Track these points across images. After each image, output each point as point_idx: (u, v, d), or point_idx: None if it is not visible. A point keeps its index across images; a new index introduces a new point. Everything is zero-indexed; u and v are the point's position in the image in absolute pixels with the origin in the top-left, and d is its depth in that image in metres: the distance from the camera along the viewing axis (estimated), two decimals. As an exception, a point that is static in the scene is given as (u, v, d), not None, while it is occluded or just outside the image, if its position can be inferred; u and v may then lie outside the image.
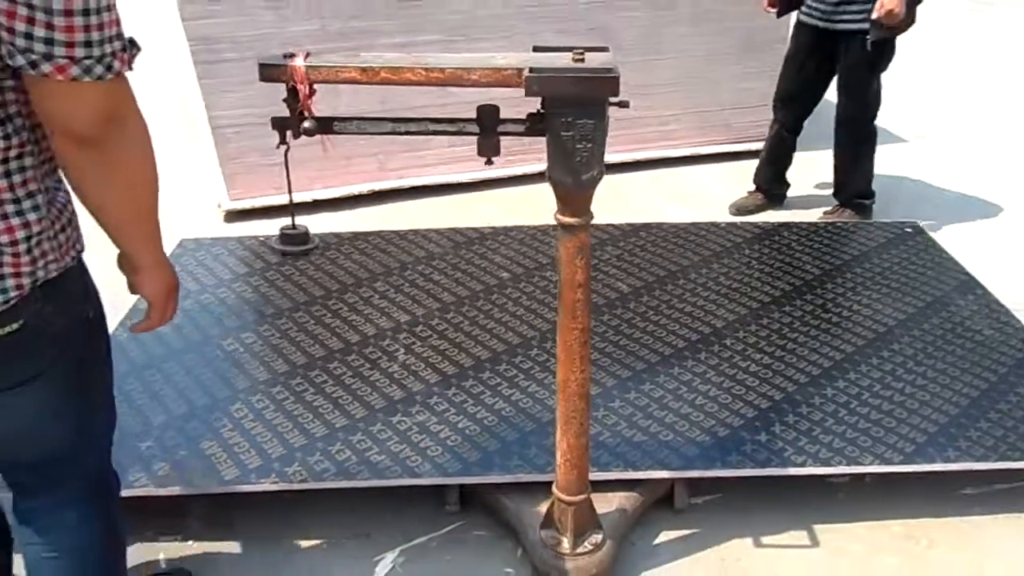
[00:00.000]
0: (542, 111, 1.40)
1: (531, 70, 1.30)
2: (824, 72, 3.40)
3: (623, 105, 1.38)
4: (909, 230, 3.20)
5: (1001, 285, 2.86)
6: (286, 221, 2.90)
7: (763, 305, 2.67)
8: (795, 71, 3.48)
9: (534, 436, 2.10)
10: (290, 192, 1.51)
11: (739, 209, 3.76)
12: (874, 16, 2.99)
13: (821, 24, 3.25)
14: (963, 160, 4.29)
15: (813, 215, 3.59)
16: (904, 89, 5.34)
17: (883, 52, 3.21)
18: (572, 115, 1.35)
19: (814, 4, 3.26)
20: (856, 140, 3.43)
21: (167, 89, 5.47)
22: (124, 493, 1.91)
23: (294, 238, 1.52)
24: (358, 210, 3.80)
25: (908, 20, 3.06)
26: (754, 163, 4.25)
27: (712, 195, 3.93)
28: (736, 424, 2.13)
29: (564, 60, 1.35)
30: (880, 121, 3.47)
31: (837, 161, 3.54)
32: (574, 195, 1.45)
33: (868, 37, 3.10)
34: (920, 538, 2.02)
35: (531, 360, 2.40)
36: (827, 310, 2.64)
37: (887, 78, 3.37)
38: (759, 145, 4.31)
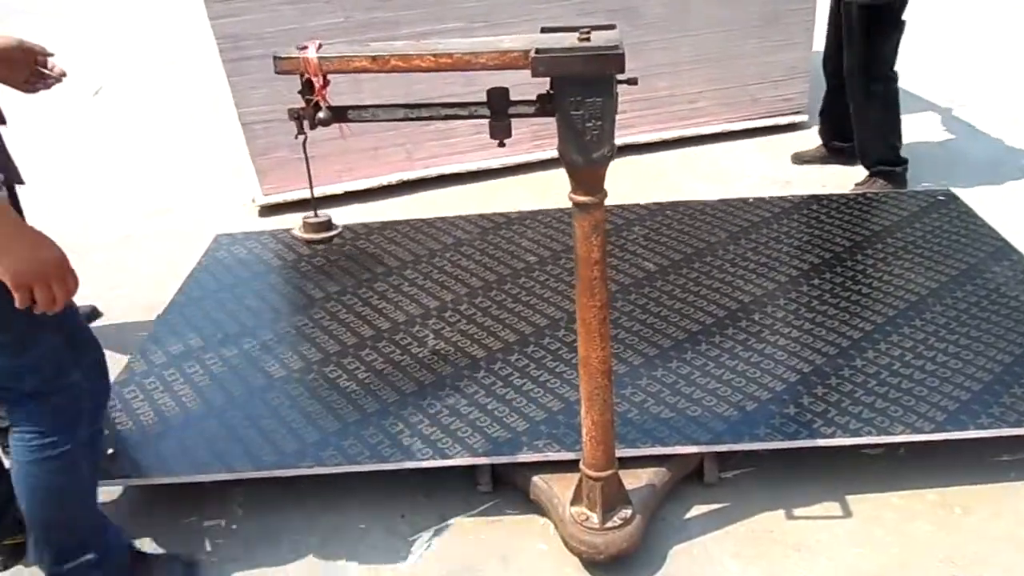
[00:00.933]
0: (551, 92, 1.41)
1: (537, 51, 1.32)
2: None
3: (631, 82, 1.39)
4: (942, 198, 3.14)
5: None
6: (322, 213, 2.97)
7: (791, 279, 2.66)
8: (830, 25, 3.45)
9: (563, 415, 2.12)
10: (310, 181, 1.54)
11: (799, 157, 3.81)
12: None
13: None
14: (1002, 127, 4.18)
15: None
16: (944, 54, 5.22)
17: (878, 17, 3.13)
18: (580, 94, 1.36)
19: None
20: (858, 100, 3.34)
21: (199, 88, 5.59)
22: (167, 480, 2.01)
23: (316, 226, 1.56)
24: (388, 200, 3.85)
25: None
26: (783, 137, 4.22)
27: (741, 171, 3.89)
28: (765, 398, 2.13)
29: (570, 40, 1.37)
30: (918, 87, 3.40)
31: (851, 121, 3.47)
32: (586, 173, 1.46)
33: None
34: (955, 505, 2.00)
35: (559, 341, 2.42)
36: (857, 282, 2.61)
37: (924, 43, 3.29)
38: (787, 119, 4.26)
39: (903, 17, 3.17)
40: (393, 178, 3.90)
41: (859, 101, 3.35)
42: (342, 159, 3.78)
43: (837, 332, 2.37)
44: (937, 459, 2.10)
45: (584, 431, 1.76)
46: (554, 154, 3.39)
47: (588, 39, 1.35)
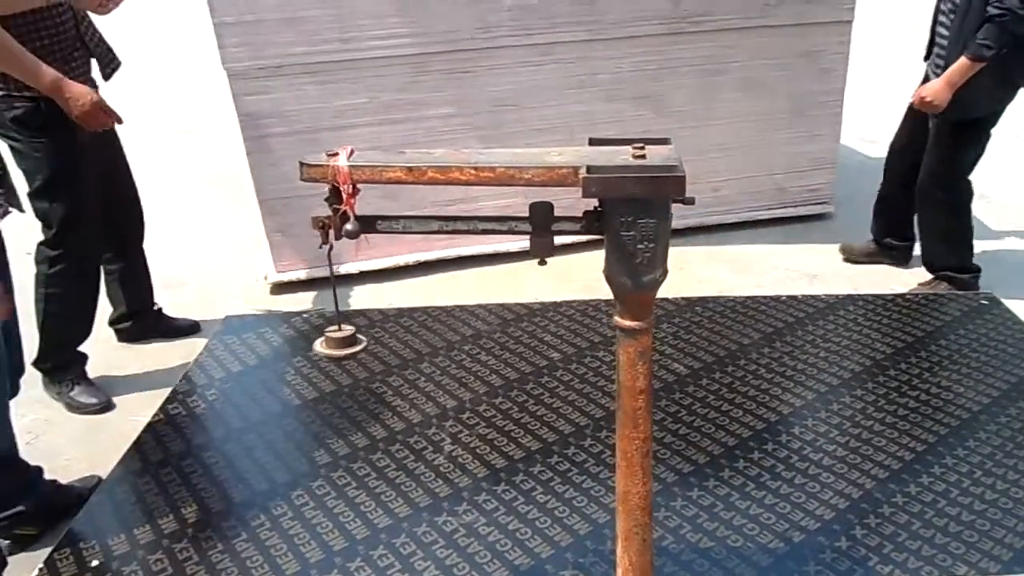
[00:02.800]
0: (599, 208, 1.29)
1: (588, 169, 1.21)
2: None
3: (687, 202, 1.27)
4: (985, 302, 3.00)
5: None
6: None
7: (832, 388, 2.50)
8: (907, 119, 3.33)
9: (591, 540, 1.95)
10: (335, 294, 1.42)
11: (848, 251, 3.67)
12: (911, 101, 2.87)
13: (932, 74, 3.05)
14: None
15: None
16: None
17: (968, 131, 2.99)
18: (633, 215, 1.24)
19: (937, 48, 3.04)
20: (928, 206, 3.21)
21: (219, 159, 5.55)
22: None
23: (339, 342, 1.42)
24: (404, 281, 3.73)
25: (983, 104, 2.89)
26: (808, 226, 4.11)
27: (767, 263, 3.78)
28: (812, 527, 1.96)
29: (623, 156, 1.25)
30: None
31: (908, 220, 3.38)
32: (634, 298, 1.33)
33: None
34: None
35: (585, 452, 2.26)
36: (903, 394, 2.46)
37: None
38: (812, 210, 4.17)
39: (990, 131, 3.06)
40: (411, 258, 3.79)
41: (928, 207, 3.21)
42: (360, 241, 3.67)
43: (886, 452, 2.20)
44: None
45: (619, 572, 1.58)
46: (576, 239, 3.26)
47: (643, 156, 1.24)
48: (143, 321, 3.25)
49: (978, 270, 3.25)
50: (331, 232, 1.33)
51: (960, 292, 3.12)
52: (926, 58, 3.16)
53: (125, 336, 3.26)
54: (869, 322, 2.88)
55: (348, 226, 1.29)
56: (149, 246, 3.25)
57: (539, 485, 2.14)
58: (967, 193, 3.16)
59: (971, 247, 3.24)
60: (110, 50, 2.81)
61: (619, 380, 1.43)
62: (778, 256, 3.84)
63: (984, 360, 2.62)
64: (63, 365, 2.80)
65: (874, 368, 2.60)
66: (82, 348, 2.89)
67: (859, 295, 3.12)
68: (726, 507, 2.03)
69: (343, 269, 3.67)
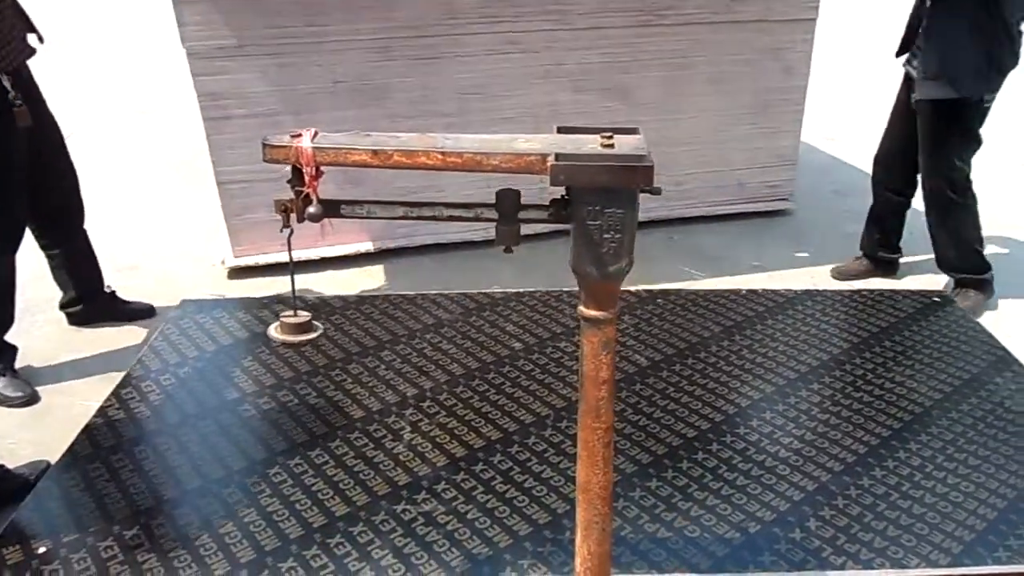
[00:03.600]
0: (566, 198, 1.28)
1: (557, 157, 1.19)
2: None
3: (654, 192, 1.27)
4: (937, 299, 3.07)
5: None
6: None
7: (789, 382, 2.54)
8: (892, 126, 3.29)
9: (550, 530, 1.95)
10: (292, 279, 1.39)
11: (840, 274, 3.60)
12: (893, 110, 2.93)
13: (913, 73, 3.06)
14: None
15: (918, 284, 3.43)
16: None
17: (949, 125, 3.00)
18: (600, 204, 1.24)
19: (916, 50, 3.04)
20: (936, 210, 3.21)
21: (176, 144, 5.43)
22: None
23: (295, 327, 1.39)
24: (366, 267, 3.70)
25: (973, 86, 2.90)
26: (767, 222, 4.16)
27: (727, 256, 3.82)
28: (767, 518, 1.98)
29: (592, 144, 1.24)
30: None
31: (897, 231, 3.42)
32: (600, 288, 1.33)
33: (914, 95, 2.93)
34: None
35: (546, 441, 2.26)
36: (858, 388, 2.50)
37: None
38: (772, 206, 4.22)
39: (983, 122, 3.04)
40: (372, 246, 3.76)
41: (943, 212, 3.20)
42: (323, 226, 3.62)
43: (840, 445, 2.24)
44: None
45: (578, 561, 1.58)
46: (541, 229, 3.25)
47: (612, 145, 1.23)
48: (94, 304, 3.17)
49: (991, 267, 3.27)
50: (292, 215, 1.30)
51: (917, 291, 3.18)
52: (899, 53, 3.18)
53: (76, 319, 3.19)
54: (827, 317, 2.92)
55: (311, 209, 1.26)
56: (103, 229, 3.18)
57: (499, 475, 2.13)
58: (972, 189, 3.17)
59: (983, 243, 3.27)
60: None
61: (582, 370, 1.42)
62: (738, 250, 3.89)
63: (937, 357, 2.67)
64: None
65: (831, 363, 2.64)
66: (24, 336, 2.81)
67: (817, 290, 3.16)
68: (684, 498, 2.05)
69: (304, 255, 3.63)
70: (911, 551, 1.88)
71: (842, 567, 1.85)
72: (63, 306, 3.18)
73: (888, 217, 3.45)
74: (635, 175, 1.19)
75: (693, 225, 4.12)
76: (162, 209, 4.49)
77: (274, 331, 1.39)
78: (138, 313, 3.22)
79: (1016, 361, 2.65)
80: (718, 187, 4.15)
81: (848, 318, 2.92)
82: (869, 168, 3.56)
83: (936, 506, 2.02)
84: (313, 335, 1.39)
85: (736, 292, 3.11)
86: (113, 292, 3.26)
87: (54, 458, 2.25)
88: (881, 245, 3.52)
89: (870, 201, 3.55)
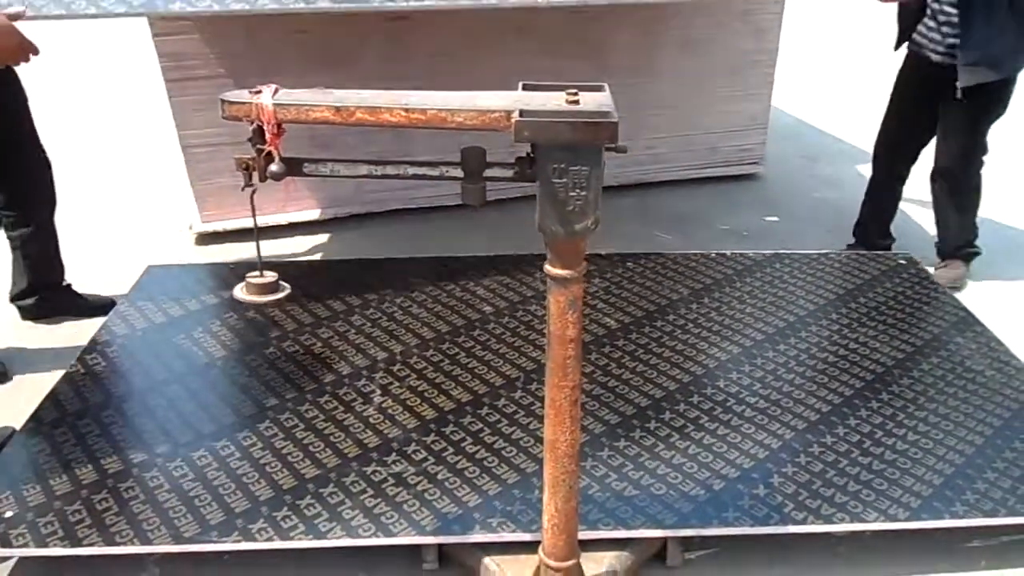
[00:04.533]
0: (531, 155, 1.28)
1: (521, 113, 1.19)
2: (929, 114, 3.04)
3: (619, 150, 1.26)
4: (903, 262, 3.12)
5: (999, 322, 2.78)
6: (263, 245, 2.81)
7: (756, 343, 2.57)
8: (901, 112, 3.15)
9: (519, 489, 1.97)
10: (257, 237, 1.37)
11: None
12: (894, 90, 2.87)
13: (935, 56, 2.91)
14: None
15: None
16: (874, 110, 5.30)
17: (987, 106, 2.91)
18: (565, 161, 1.23)
19: (928, 31, 2.92)
20: (952, 189, 3.11)
21: (138, 107, 5.31)
22: (73, 551, 1.78)
23: (261, 288, 1.38)
24: (335, 233, 3.67)
25: (1006, 64, 2.80)
26: (739, 186, 4.18)
27: (698, 220, 3.83)
28: (732, 475, 2.02)
29: (556, 101, 1.23)
30: (861, 143, 3.28)
31: (936, 214, 3.21)
32: (566, 246, 1.33)
33: (957, 83, 2.80)
34: (924, 597, 1.91)
35: (515, 403, 2.27)
36: (823, 349, 2.54)
37: (871, 102, 3.20)
38: (743, 169, 4.24)
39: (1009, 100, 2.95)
40: (341, 211, 3.72)
41: (955, 192, 3.12)
42: (288, 188, 3.58)
43: (805, 404, 2.28)
44: (906, 543, 2.01)
45: (546, 518, 1.61)
46: (514, 193, 3.25)
47: (577, 101, 1.22)
48: (52, 298, 2.96)
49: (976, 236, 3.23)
50: (255, 173, 1.28)
51: (883, 253, 3.22)
52: (898, 46, 3.06)
53: (30, 314, 2.96)
54: (795, 279, 2.95)
55: (273, 167, 1.25)
56: (69, 194, 3.06)
57: (468, 436, 2.15)
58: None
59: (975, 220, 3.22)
60: None
61: (549, 329, 1.43)
62: (709, 214, 3.90)
63: (900, 318, 2.72)
64: None
65: (798, 324, 2.67)
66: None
67: (786, 253, 3.19)
68: (651, 457, 2.08)
69: (272, 220, 3.58)
70: (870, 506, 1.93)
71: (803, 522, 1.89)
72: (14, 298, 2.94)
73: (889, 203, 3.35)
74: (600, 131, 1.18)
75: (665, 189, 4.12)
76: (127, 175, 4.40)
77: (240, 292, 1.38)
78: (98, 308, 2.94)
79: (977, 322, 2.71)
80: (690, 151, 4.15)
81: (815, 280, 2.95)
82: (837, 133, 3.56)
83: (896, 463, 2.07)
84: (280, 295, 1.37)
85: (706, 255, 3.13)
86: (69, 286, 3.03)
87: (19, 424, 2.23)
88: (882, 231, 3.39)
89: (837, 167, 3.56)
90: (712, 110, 4.08)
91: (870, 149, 3.37)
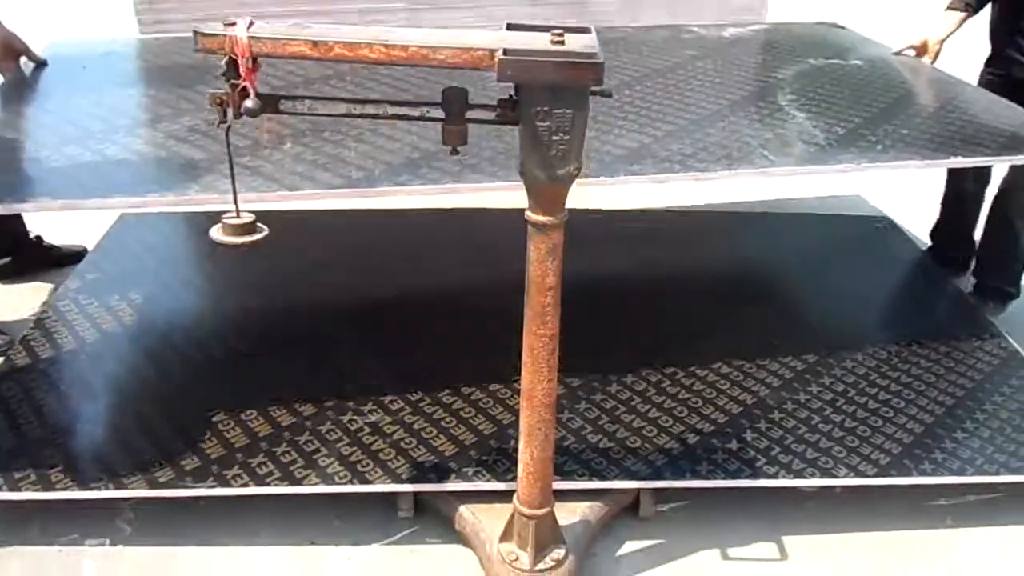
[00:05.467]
0: (515, 97, 1.25)
1: (505, 52, 1.16)
2: None
3: (605, 94, 1.24)
4: (879, 225, 3.13)
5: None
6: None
7: (732, 303, 2.57)
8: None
9: (494, 440, 1.97)
10: (233, 178, 1.34)
11: None
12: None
13: (1020, 74, 2.54)
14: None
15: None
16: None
17: None
18: (548, 104, 1.21)
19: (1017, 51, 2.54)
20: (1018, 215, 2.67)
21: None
22: (45, 495, 1.77)
23: (238, 229, 1.35)
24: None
25: None
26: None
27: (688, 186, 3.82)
28: (706, 430, 2.03)
29: (542, 42, 1.21)
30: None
31: (986, 236, 2.79)
32: (548, 191, 1.31)
33: None
34: (892, 553, 1.94)
35: (495, 356, 2.26)
36: (798, 309, 2.55)
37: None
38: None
39: None
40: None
41: (1016, 218, 2.66)
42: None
43: (779, 363, 2.30)
44: (874, 500, 2.04)
45: (521, 466, 1.61)
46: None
47: (562, 42, 1.19)
48: (21, 255, 2.87)
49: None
50: (229, 110, 1.25)
51: (862, 216, 3.24)
52: (990, 62, 2.69)
53: (1, 274, 2.88)
54: (772, 241, 2.96)
55: (248, 103, 1.21)
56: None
57: (446, 387, 2.14)
58: None
59: None
60: None
61: (528, 276, 1.42)
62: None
63: (875, 281, 2.75)
64: None
65: (777, 284, 2.68)
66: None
67: (770, 213, 3.19)
68: (627, 411, 2.09)
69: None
70: (841, 462, 1.96)
71: (775, 476, 1.91)
72: None
73: (964, 211, 2.93)
74: (585, 72, 1.16)
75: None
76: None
77: (216, 233, 1.35)
78: (70, 258, 2.86)
79: (952, 285, 2.73)
80: None
81: (791, 241, 2.96)
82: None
83: (868, 420, 2.10)
84: (257, 237, 1.34)
85: (687, 213, 3.13)
86: (39, 238, 2.94)
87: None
88: (958, 242, 2.97)
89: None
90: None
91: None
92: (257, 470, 1.85)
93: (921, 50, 2.70)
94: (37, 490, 1.79)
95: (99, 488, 1.80)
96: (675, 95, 2.35)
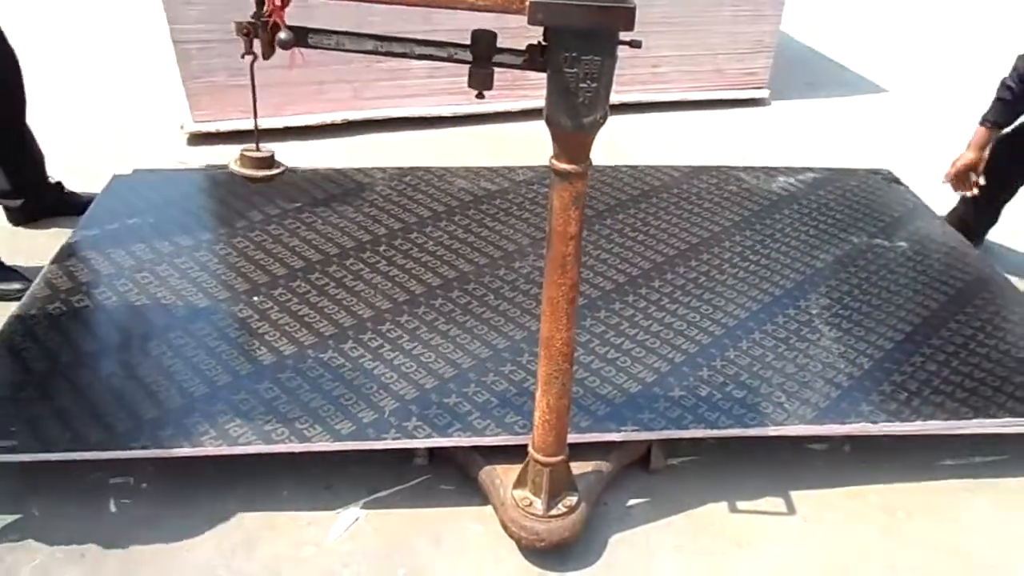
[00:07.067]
0: (543, 43, 1.25)
1: (536, -6, 1.15)
2: None
3: (634, 44, 1.24)
4: (881, 177, 3.12)
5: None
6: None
7: (738, 253, 2.58)
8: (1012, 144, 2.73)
9: (508, 352, 2.09)
10: (255, 109, 1.34)
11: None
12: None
13: None
14: (943, 113, 4.19)
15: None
16: (894, 41, 5.22)
17: None
18: (577, 50, 1.21)
19: None
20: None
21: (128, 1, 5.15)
22: (53, 456, 1.78)
23: (257, 162, 1.36)
24: (329, 140, 3.61)
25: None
26: (743, 111, 4.13)
27: (699, 142, 3.80)
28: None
29: (572, -14, 1.20)
30: (867, 72, 3.21)
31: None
32: (573, 139, 1.31)
33: None
34: (898, 509, 1.97)
35: (500, 280, 2.37)
36: (806, 261, 2.56)
37: (879, 30, 3.11)
38: (748, 93, 4.18)
39: None
40: (337, 116, 3.66)
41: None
42: (283, 91, 3.52)
43: (785, 315, 2.30)
44: (881, 458, 2.07)
45: (537, 414, 1.63)
46: (510, 107, 3.20)
47: (593, -13, 1.19)
48: (38, 198, 2.84)
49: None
50: (255, 40, 1.24)
51: (861, 168, 3.20)
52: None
53: (17, 216, 2.84)
54: (778, 195, 2.95)
55: (281, 34, 1.21)
56: (52, 94, 2.92)
57: (457, 308, 2.24)
58: None
59: None
60: None
61: (550, 225, 1.42)
62: (710, 137, 3.87)
63: (880, 226, 2.77)
64: None
65: (777, 235, 2.71)
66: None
67: (774, 167, 3.18)
68: (634, 362, 2.10)
69: (266, 123, 3.52)
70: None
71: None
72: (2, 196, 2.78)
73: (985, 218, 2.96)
74: (617, 16, 1.15)
75: (667, 112, 4.07)
76: (116, 72, 4.29)
77: (235, 165, 1.35)
78: (88, 206, 2.74)
79: (957, 236, 2.75)
80: (694, 72, 4.08)
81: (799, 194, 2.97)
82: (844, 61, 3.47)
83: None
84: (276, 171, 1.35)
85: (702, 168, 3.10)
86: (60, 184, 2.91)
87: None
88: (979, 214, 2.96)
89: (841, 94, 3.46)
90: (720, 30, 4.00)
91: (875, 78, 3.33)
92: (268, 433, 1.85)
93: (962, 175, 2.72)
94: (44, 451, 1.77)
95: (110, 447, 1.79)
96: (693, 290, 2.39)
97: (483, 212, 2.73)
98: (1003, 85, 2.59)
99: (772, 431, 1.92)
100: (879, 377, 2.09)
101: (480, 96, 1.31)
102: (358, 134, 3.66)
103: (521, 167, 2.99)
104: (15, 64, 2.62)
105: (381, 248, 2.50)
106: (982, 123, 2.66)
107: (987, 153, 2.66)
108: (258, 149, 1.32)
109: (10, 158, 2.73)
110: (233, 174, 1.33)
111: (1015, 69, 2.54)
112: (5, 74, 2.60)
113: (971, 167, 2.69)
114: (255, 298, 2.24)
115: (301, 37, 1.24)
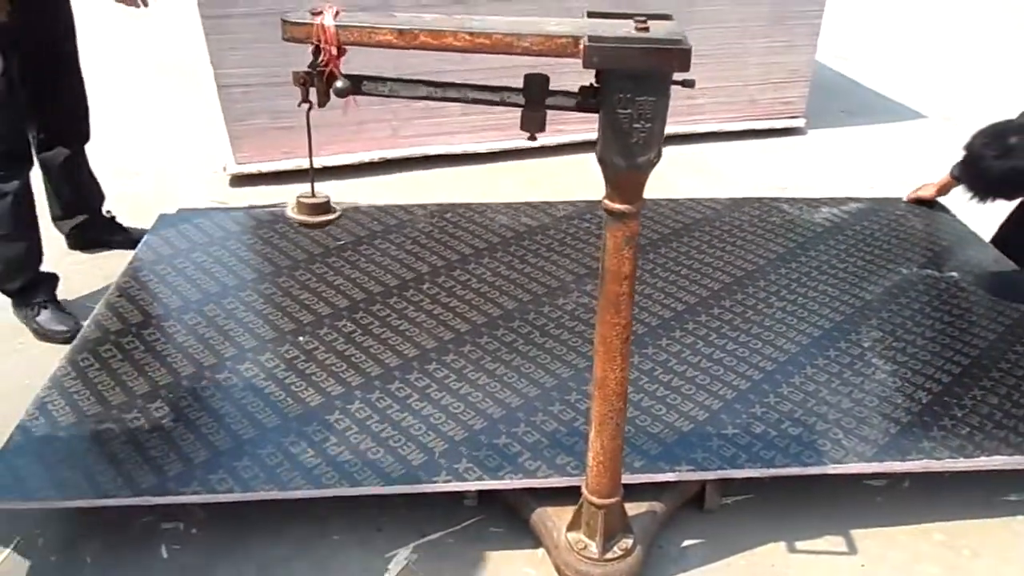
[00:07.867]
0: (596, 84, 1.25)
1: (591, 38, 1.16)
2: None
3: (687, 84, 1.24)
4: (926, 206, 3.07)
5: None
6: (297, 188, 2.79)
7: (784, 286, 2.54)
8: None
9: (556, 392, 2.06)
10: (311, 154, 1.35)
11: None
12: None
13: None
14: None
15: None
16: (931, 67, 5.17)
17: None
18: (631, 91, 1.20)
19: None
20: None
21: (172, 44, 5.29)
22: (103, 502, 1.78)
23: (313, 208, 1.37)
24: (367, 178, 3.65)
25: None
26: (779, 141, 4.11)
27: (736, 173, 3.78)
28: (772, 418, 2.00)
29: (626, 28, 1.20)
30: (905, 99, 3.19)
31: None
32: (626, 179, 1.31)
33: None
34: (962, 547, 1.91)
35: (544, 317, 2.34)
36: (854, 293, 2.51)
37: (916, 56, 3.07)
38: (784, 123, 4.16)
39: None
40: (375, 155, 3.70)
41: None
42: (322, 132, 3.55)
43: (837, 349, 2.25)
44: (943, 495, 2.01)
45: (591, 455, 1.61)
46: (545, 142, 3.18)
47: (646, 29, 1.19)
48: (89, 225, 2.98)
49: None
50: (312, 90, 1.26)
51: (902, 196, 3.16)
52: None
53: (74, 241, 3.01)
54: (824, 228, 2.91)
55: (338, 83, 1.23)
56: (101, 134, 3.02)
57: (503, 346, 2.23)
58: None
59: None
60: None
61: (603, 265, 1.41)
62: (748, 168, 3.85)
63: (929, 258, 2.71)
64: (26, 287, 2.57)
65: (828, 268, 2.65)
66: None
67: (813, 198, 3.14)
68: (684, 400, 2.05)
69: (303, 163, 3.56)
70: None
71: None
72: (54, 220, 2.92)
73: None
74: (672, 58, 1.15)
75: (703, 144, 4.06)
76: (161, 115, 4.39)
77: (291, 211, 1.37)
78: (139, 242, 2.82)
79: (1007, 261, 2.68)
80: (730, 103, 4.07)
81: (848, 226, 2.92)
82: (880, 88, 3.43)
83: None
84: (332, 216, 1.36)
85: (749, 199, 3.08)
86: (113, 217, 3.05)
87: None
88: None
89: (879, 121, 3.43)
90: (754, 61, 4.00)
91: (912, 104, 3.29)
92: (323, 479, 1.83)
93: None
94: (125, 495, 1.77)
95: (162, 493, 1.79)
96: (741, 324, 2.35)
97: (525, 248, 2.72)
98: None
99: (832, 469, 1.87)
100: (938, 411, 2.03)
101: (532, 138, 1.31)
102: (395, 172, 3.70)
103: (560, 202, 3.00)
104: (85, 97, 2.84)
105: (425, 286, 2.50)
106: (951, 174, 2.66)
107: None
108: (313, 195, 1.33)
109: (72, 182, 2.90)
110: (289, 220, 1.34)
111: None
112: (78, 104, 2.81)
113: (924, 201, 3.00)
114: (300, 338, 2.25)
115: (356, 85, 1.25)
